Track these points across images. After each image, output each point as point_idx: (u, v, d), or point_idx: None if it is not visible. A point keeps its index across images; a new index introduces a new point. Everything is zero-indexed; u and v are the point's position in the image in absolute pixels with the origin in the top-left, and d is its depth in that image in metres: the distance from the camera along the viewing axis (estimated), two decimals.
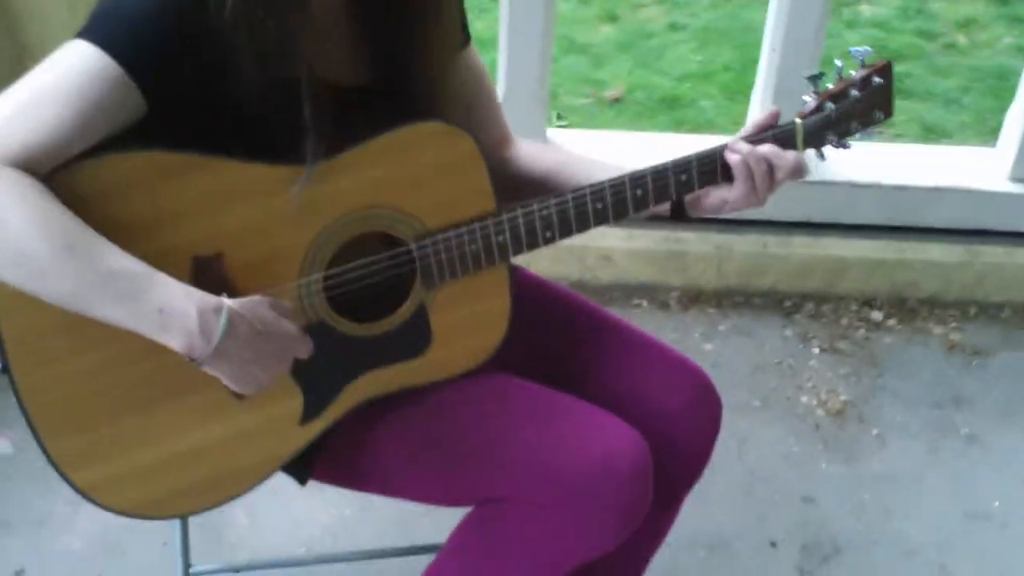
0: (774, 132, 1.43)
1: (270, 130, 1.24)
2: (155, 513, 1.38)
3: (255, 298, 1.20)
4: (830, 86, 1.47)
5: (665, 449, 1.48)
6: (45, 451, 1.28)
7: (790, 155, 1.40)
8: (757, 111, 2.73)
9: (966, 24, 4.87)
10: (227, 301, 1.16)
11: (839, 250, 2.82)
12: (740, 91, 4.09)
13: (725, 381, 2.54)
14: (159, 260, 1.17)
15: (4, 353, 1.22)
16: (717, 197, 1.44)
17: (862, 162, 2.82)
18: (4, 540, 2.11)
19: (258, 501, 2.16)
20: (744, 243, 2.82)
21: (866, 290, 2.84)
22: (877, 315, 2.80)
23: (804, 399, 2.55)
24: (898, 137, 3.94)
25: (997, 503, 2.29)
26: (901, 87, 4.23)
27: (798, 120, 1.45)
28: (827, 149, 1.48)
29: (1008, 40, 4.74)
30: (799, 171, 1.41)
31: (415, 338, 1.40)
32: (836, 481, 2.33)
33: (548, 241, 1.40)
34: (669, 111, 4.15)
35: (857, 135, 1.50)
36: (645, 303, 2.83)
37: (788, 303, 2.85)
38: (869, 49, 1.48)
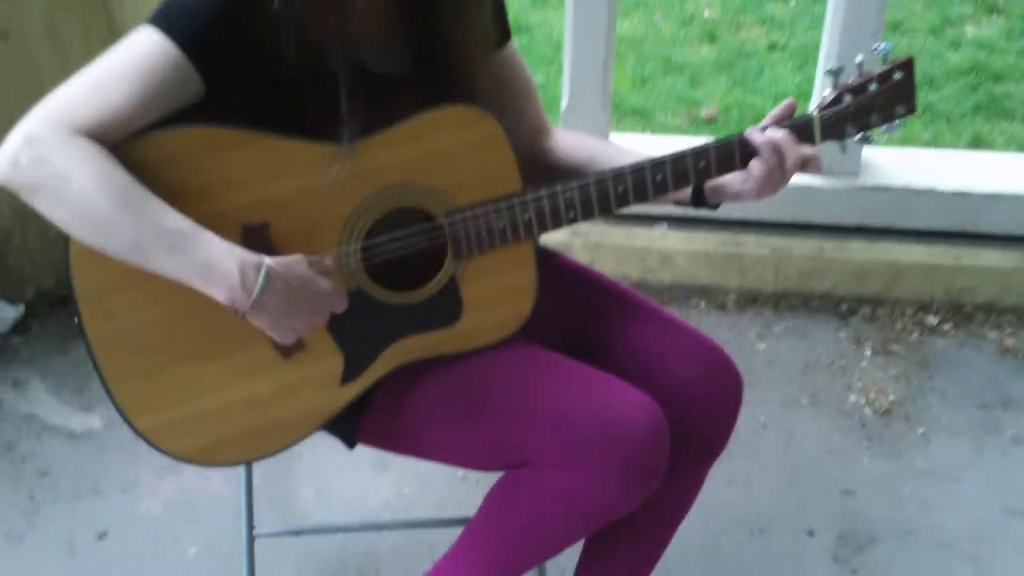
0: (792, 122, 1.51)
1: (312, 112, 1.38)
2: (210, 460, 1.53)
3: (294, 257, 1.35)
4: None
5: (684, 417, 1.58)
6: (111, 397, 1.43)
7: (802, 146, 1.49)
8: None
9: None
10: (267, 259, 1.31)
11: (896, 255, 2.88)
12: None
13: (776, 379, 2.64)
14: (212, 225, 1.32)
15: (76, 307, 1.38)
16: (735, 184, 1.54)
17: (919, 167, 2.88)
18: (92, 504, 2.29)
19: (325, 477, 2.32)
20: (802, 247, 2.89)
21: (922, 295, 2.89)
22: (932, 319, 2.85)
23: (852, 398, 2.61)
24: None
25: None
26: (1003, 107, 4.25)
27: (815, 112, 1.53)
28: (850, 142, 1.55)
29: None
30: (809, 162, 1.50)
31: (447, 308, 1.53)
32: (877, 475, 2.39)
33: (571, 221, 1.51)
34: None
35: (881, 129, 1.56)
36: (703, 304, 2.92)
37: (844, 306, 2.91)
38: (891, 44, 1.53)
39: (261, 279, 1.29)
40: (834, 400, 2.61)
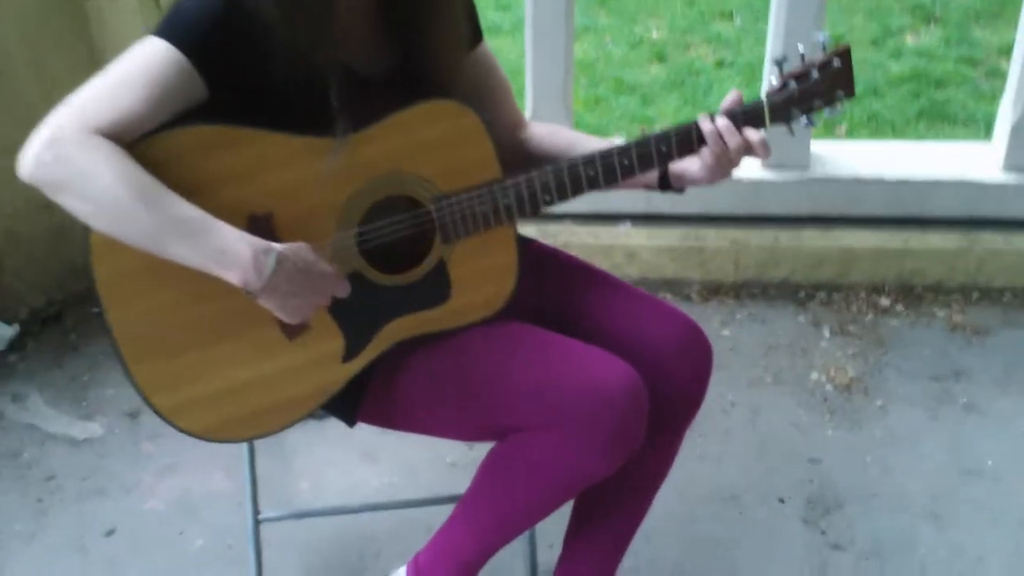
0: (743, 108, 1.65)
1: (307, 111, 1.51)
2: (224, 436, 1.65)
3: (299, 243, 1.48)
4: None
5: (660, 382, 1.71)
6: (131, 378, 1.55)
7: (745, 132, 1.62)
8: None
9: (1008, 50, 5.05)
10: (276, 245, 1.44)
11: (848, 241, 3.05)
12: None
13: (741, 361, 2.80)
14: (219, 216, 1.45)
15: (97, 293, 1.50)
16: (692, 169, 1.69)
17: (866, 158, 3.05)
18: (98, 504, 2.40)
19: (319, 470, 2.43)
20: (759, 238, 3.05)
21: (875, 278, 3.06)
22: (885, 301, 3.02)
23: (814, 375, 2.77)
24: None
25: (990, 462, 2.48)
26: (944, 112, 4.45)
27: (764, 97, 1.68)
28: (796, 125, 1.69)
29: None
30: (753, 147, 1.63)
31: (437, 288, 1.66)
32: (841, 445, 2.55)
33: (548, 203, 1.65)
34: None
35: (823, 112, 1.70)
36: (669, 296, 3.07)
37: (802, 293, 3.08)
38: (827, 35, 1.67)
39: (272, 262, 1.42)
40: (797, 378, 2.76)
